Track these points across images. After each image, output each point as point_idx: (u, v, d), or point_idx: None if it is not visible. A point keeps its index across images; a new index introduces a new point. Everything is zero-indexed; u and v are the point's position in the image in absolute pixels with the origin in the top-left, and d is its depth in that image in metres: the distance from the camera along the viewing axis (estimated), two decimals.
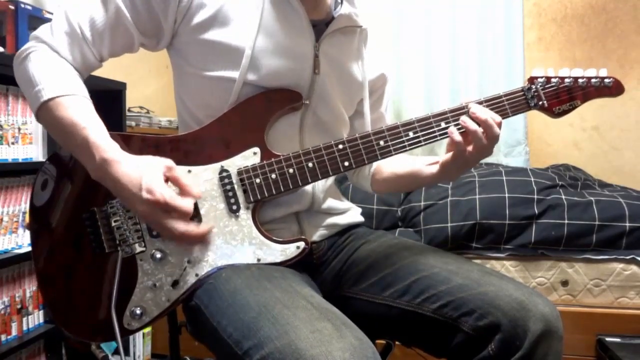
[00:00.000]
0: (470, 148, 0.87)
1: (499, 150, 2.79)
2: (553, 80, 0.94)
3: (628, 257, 1.72)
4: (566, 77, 0.94)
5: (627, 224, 1.73)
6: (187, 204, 0.75)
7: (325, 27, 0.93)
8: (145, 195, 0.73)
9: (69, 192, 0.88)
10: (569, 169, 2.41)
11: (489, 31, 2.82)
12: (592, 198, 1.81)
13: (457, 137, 0.87)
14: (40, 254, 0.86)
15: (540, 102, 0.93)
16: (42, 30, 0.86)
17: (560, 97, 0.94)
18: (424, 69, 2.90)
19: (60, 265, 0.85)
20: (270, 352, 0.64)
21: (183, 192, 0.78)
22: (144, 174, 0.75)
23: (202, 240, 0.82)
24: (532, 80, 0.94)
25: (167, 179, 0.77)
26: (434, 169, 0.96)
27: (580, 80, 0.94)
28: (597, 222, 1.74)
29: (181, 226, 0.75)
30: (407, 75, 2.91)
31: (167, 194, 0.74)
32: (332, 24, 0.92)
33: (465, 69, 2.85)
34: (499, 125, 0.88)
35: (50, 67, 0.83)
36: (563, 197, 1.83)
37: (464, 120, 0.87)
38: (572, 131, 2.84)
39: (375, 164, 1.11)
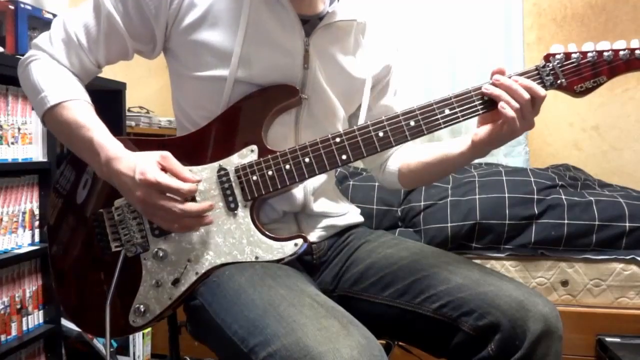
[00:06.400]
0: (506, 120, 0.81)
1: (499, 150, 2.79)
2: (573, 55, 0.83)
3: (628, 257, 1.72)
4: (589, 52, 0.83)
5: (627, 224, 1.72)
6: (179, 184, 0.77)
7: (319, 22, 0.92)
8: (138, 176, 0.77)
9: (78, 196, 0.92)
10: (569, 169, 2.41)
11: (489, 31, 2.82)
12: (592, 198, 1.81)
13: (510, 113, 0.80)
14: (56, 253, 0.92)
15: (559, 81, 0.83)
16: (41, 39, 0.90)
17: (582, 74, 0.83)
18: (424, 68, 2.90)
19: (71, 264, 0.91)
20: (277, 349, 0.65)
21: (179, 177, 0.79)
22: (138, 162, 0.79)
23: (203, 221, 0.82)
24: (547, 57, 0.84)
25: (163, 168, 0.80)
26: (464, 147, 0.90)
27: (605, 54, 0.82)
28: (597, 222, 1.73)
29: (177, 205, 0.77)
30: (406, 75, 2.91)
31: (159, 174, 0.77)
32: (325, 18, 0.92)
33: (465, 69, 2.85)
34: (526, 89, 0.81)
35: (52, 74, 0.87)
36: (563, 197, 1.82)
37: (487, 88, 0.82)
38: (572, 131, 2.84)
39: (400, 159, 1.05)
